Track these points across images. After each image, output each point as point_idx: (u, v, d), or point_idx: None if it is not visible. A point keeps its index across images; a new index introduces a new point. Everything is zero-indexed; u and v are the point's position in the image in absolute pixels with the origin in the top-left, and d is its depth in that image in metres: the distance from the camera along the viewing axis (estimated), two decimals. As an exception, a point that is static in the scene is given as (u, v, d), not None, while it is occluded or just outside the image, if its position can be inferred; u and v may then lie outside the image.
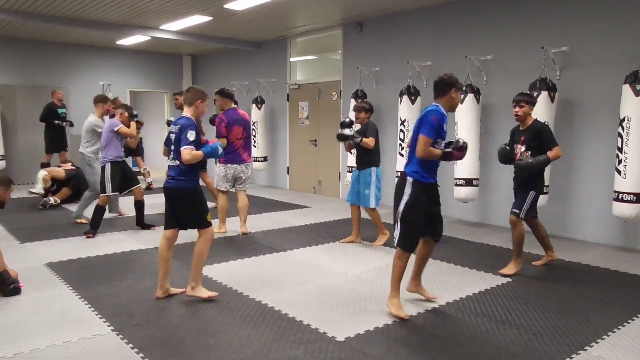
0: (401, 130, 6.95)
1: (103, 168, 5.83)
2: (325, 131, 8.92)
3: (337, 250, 5.31)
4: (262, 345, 3.03)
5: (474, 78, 6.29)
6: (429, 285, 4.13)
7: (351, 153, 5.76)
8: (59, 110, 9.10)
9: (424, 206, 3.50)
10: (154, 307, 3.63)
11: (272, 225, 6.46)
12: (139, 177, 6.49)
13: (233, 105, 5.87)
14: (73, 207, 7.52)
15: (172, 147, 3.70)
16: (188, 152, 3.56)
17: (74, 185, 7.85)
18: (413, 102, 6.89)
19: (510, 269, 4.40)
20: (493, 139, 6.31)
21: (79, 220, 6.35)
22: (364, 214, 5.59)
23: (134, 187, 6.05)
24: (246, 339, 3.11)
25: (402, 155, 6.80)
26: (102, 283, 4.14)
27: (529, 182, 4.35)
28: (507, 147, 4.48)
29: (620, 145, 4.91)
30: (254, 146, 9.37)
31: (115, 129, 5.81)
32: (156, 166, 12.22)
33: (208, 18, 8.01)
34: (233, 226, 6.16)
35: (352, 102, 7.51)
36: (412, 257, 3.64)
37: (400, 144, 6.92)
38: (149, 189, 9.22)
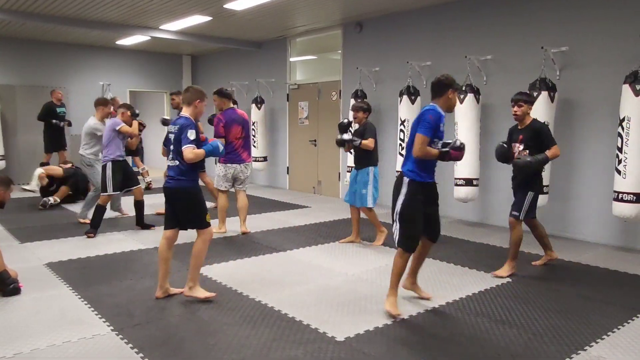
0: (401, 130, 6.95)
1: (104, 167, 5.83)
2: (325, 131, 8.92)
3: (337, 250, 5.31)
4: (262, 345, 3.03)
5: (474, 78, 6.29)
6: (429, 285, 4.13)
7: (351, 153, 5.77)
8: (58, 110, 9.11)
9: (421, 206, 3.50)
10: (154, 307, 3.63)
11: (271, 225, 6.46)
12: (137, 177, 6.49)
13: (231, 105, 5.87)
14: (73, 207, 7.54)
15: (172, 147, 3.69)
16: (190, 151, 3.56)
17: (72, 183, 7.84)
18: (413, 102, 6.89)
19: (504, 270, 4.40)
20: (493, 138, 6.30)
21: (82, 220, 6.35)
22: (364, 214, 5.58)
23: (134, 187, 6.05)
24: (246, 339, 3.11)
25: (402, 155, 6.80)
26: (102, 283, 4.14)
27: (527, 182, 4.34)
28: (505, 145, 4.47)
29: (620, 145, 4.91)
30: (254, 146, 9.37)
31: (117, 128, 5.81)
32: (156, 166, 12.22)
33: (208, 18, 8.01)
34: (233, 226, 6.16)
35: (352, 102, 7.50)
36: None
37: (401, 144, 6.92)
38: (148, 188, 9.22)
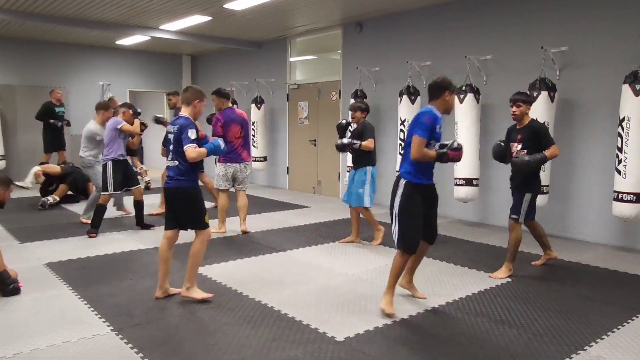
0: (401, 130, 6.95)
1: (104, 166, 5.82)
2: (325, 131, 8.92)
3: (336, 250, 5.31)
4: (261, 345, 3.03)
5: (474, 78, 6.29)
6: (429, 285, 4.14)
7: (351, 152, 5.77)
8: (57, 110, 9.10)
9: (420, 207, 3.50)
10: (154, 307, 3.63)
11: (271, 225, 6.46)
12: None
13: (230, 105, 5.87)
14: (73, 207, 7.55)
15: (171, 147, 3.69)
16: (192, 150, 3.57)
17: (71, 181, 7.82)
18: (413, 102, 6.89)
19: (502, 272, 4.39)
20: (493, 138, 6.27)
21: (84, 221, 6.34)
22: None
23: (134, 187, 6.05)
24: (246, 339, 3.11)
25: (402, 154, 6.80)
26: (102, 283, 4.14)
27: (524, 183, 4.33)
28: (502, 144, 4.45)
29: (620, 145, 4.91)
30: (254, 146, 9.37)
31: (119, 127, 5.80)
32: (156, 166, 12.22)
33: (208, 18, 8.01)
34: (233, 226, 6.16)
35: (352, 102, 7.51)
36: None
37: (401, 144, 6.92)
38: (147, 188, 9.21)
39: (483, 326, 3.34)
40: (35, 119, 9.01)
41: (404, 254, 3.52)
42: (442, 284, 4.21)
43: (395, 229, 3.53)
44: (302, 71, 10.00)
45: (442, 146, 3.50)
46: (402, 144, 6.85)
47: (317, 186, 9.36)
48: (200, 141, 3.68)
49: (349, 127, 5.57)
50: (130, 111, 6.00)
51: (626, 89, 4.84)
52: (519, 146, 4.32)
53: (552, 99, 5.51)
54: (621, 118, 4.90)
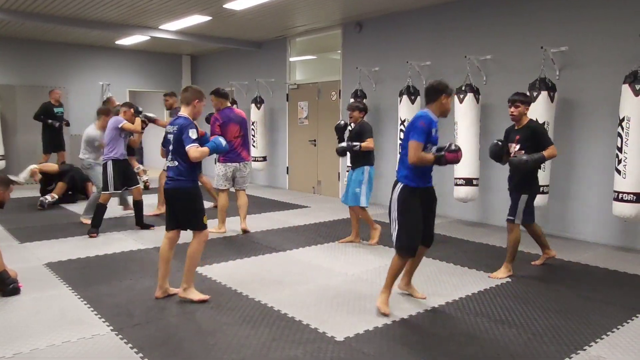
0: (401, 130, 6.95)
1: (105, 165, 5.82)
2: (325, 131, 8.91)
3: (336, 250, 5.31)
4: (261, 345, 3.03)
5: (474, 78, 6.29)
6: (429, 285, 4.14)
7: (350, 153, 5.77)
8: (55, 110, 9.09)
9: (419, 210, 3.51)
10: (154, 307, 3.63)
11: (271, 225, 6.46)
12: None
13: (228, 105, 5.87)
14: (72, 207, 7.55)
15: (170, 147, 3.68)
16: (195, 150, 3.57)
17: (69, 179, 7.81)
18: (413, 102, 6.89)
19: (501, 273, 4.39)
20: (493, 138, 6.23)
21: (84, 221, 6.34)
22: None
23: (133, 187, 6.05)
24: (246, 338, 3.11)
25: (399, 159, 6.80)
26: (102, 283, 4.14)
27: (522, 184, 4.32)
28: (499, 143, 4.44)
29: (620, 145, 4.91)
30: (253, 146, 9.38)
31: (120, 126, 5.80)
32: (156, 166, 12.20)
33: (207, 18, 8.00)
34: (232, 226, 6.16)
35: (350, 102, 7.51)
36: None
37: (400, 144, 6.91)
38: (146, 188, 9.20)
39: (483, 326, 3.35)
40: (33, 119, 9.01)
41: (401, 257, 3.53)
42: (442, 283, 4.21)
43: (394, 232, 3.54)
44: (302, 71, 10.00)
45: (440, 149, 3.50)
46: (402, 143, 6.86)
47: (317, 186, 9.36)
48: (200, 139, 3.68)
49: (347, 128, 5.57)
50: (132, 110, 6.00)
51: (626, 89, 4.84)
52: (517, 147, 4.31)
53: (552, 99, 5.51)
54: (621, 118, 4.90)
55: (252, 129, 9.48)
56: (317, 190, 9.35)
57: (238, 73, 10.87)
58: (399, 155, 3.66)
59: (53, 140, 9.07)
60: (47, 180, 7.93)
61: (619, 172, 4.93)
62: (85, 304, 3.67)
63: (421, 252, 3.75)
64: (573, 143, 5.75)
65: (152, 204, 7.24)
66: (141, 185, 6.29)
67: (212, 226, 5.93)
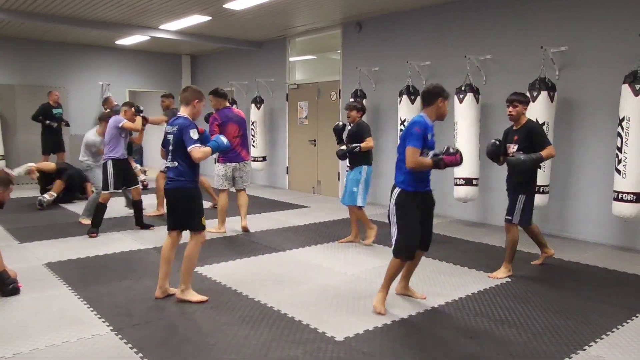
0: (401, 130, 6.95)
1: (105, 165, 5.82)
2: (325, 131, 8.91)
3: (336, 250, 5.31)
4: (261, 345, 3.03)
5: (473, 78, 6.29)
6: (429, 285, 4.14)
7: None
8: (54, 111, 9.09)
9: (417, 214, 3.51)
10: (153, 307, 3.63)
11: (271, 225, 6.46)
12: None
13: (227, 104, 5.88)
14: (72, 207, 7.54)
15: (170, 148, 3.68)
16: (197, 150, 3.57)
17: (67, 178, 7.80)
18: (413, 101, 6.88)
19: (500, 272, 4.39)
20: (492, 138, 6.30)
21: (83, 222, 6.34)
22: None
23: (133, 187, 6.05)
24: (245, 338, 3.11)
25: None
26: (101, 283, 4.14)
27: (520, 184, 4.31)
28: (497, 143, 4.43)
29: (619, 145, 4.91)
30: (253, 146, 9.38)
31: (120, 125, 5.79)
32: (156, 167, 12.20)
33: (207, 18, 8.00)
34: (232, 226, 6.16)
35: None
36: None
37: (397, 150, 6.91)
38: (144, 187, 9.21)
39: (482, 326, 3.35)
40: (31, 119, 9.00)
41: (400, 259, 3.54)
42: (442, 283, 4.21)
43: (394, 235, 3.55)
44: (302, 71, 10.00)
45: (436, 155, 3.52)
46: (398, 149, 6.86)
47: (317, 186, 9.36)
48: (201, 136, 3.68)
49: (344, 130, 5.56)
50: (132, 109, 6.00)
51: (626, 88, 4.84)
52: (515, 147, 4.31)
53: (551, 98, 5.50)
54: (621, 118, 4.90)
55: (252, 128, 9.48)
56: (317, 190, 9.35)
57: (238, 73, 10.86)
58: (396, 162, 3.66)
59: (52, 142, 9.07)
60: (46, 180, 7.93)
61: (618, 172, 4.93)
62: (85, 304, 3.67)
63: (418, 255, 3.76)
64: (573, 143, 5.75)
65: (152, 203, 7.24)
66: (140, 186, 6.29)
67: (212, 226, 5.94)
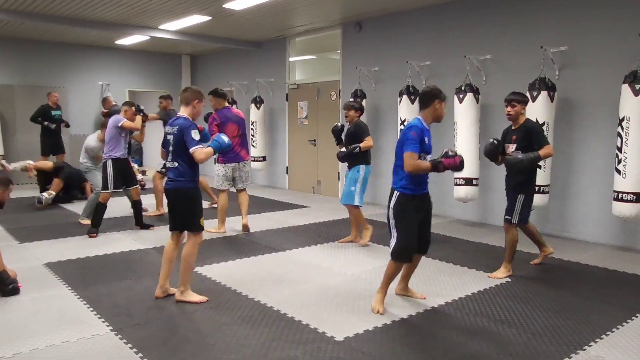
0: (401, 130, 6.94)
1: (105, 164, 5.81)
2: (325, 131, 8.90)
3: (336, 250, 5.31)
4: (261, 345, 3.02)
5: (473, 78, 6.29)
6: (428, 285, 4.14)
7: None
8: (53, 112, 9.08)
9: (415, 217, 3.51)
10: (153, 307, 3.63)
11: (271, 225, 6.46)
12: None
13: (226, 105, 5.88)
14: (71, 207, 7.54)
15: (170, 148, 3.68)
16: (200, 152, 3.57)
17: (65, 176, 7.79)
18: (413, 101, 6.87)
19: (500, 272, 4.39)
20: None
21: (83, 222, 6.33)
22: (364, 214, 5.56)
23: (132, 187, 6.04)
24: (245, 338, 3.11)
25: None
26: (101, 283, 4.13)
27: (519, 184, 4.31)
28: (495, 142, 4.42)
29: (619, 145, 4.91)
30: (253, 146, 9.37)
31: (120, 124, 5.79)
32: (155, 167, 12.20)
33: (207, 18, 8.00)
34: (232, 226, 6.16)
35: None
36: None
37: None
38: (142, 187, 9.19)
39: (482, 326, 3.35)
40: (30, 121, 8.99)
41: (397, 262, 3.55)
42: (442, 283, 4.21)
43: (393, 238, 3.55)
44: (302, 71, 9.99)
45: (435, 159, 3.53)
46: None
47: (317, 186, 9.35)
48: (200, 134, 3.67)
49: (343, 131, 5.55)
50: (133, 109, 5.99)
51: (626, 88, 4.84)
52: (514, 147, 4.30)
53: (551, 98, 5.50)
54: (621, 118, 4.89)
55: (252, 128, 9.48)
56: (317, 190, 9.35)
57: (238, 73, 10.86)
58: (393, 167, 3.67)
59: (51, 143, 9.05)
60: (45, 180, 7.93)
61: (618, 172, 4.93)
62: (84, 304, 3.67)
63: (417, 258, 3.76)
64: (573, 143, 5.75)
65: (153, 203, 7.23)
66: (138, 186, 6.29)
67: (212, 226, 5.94)
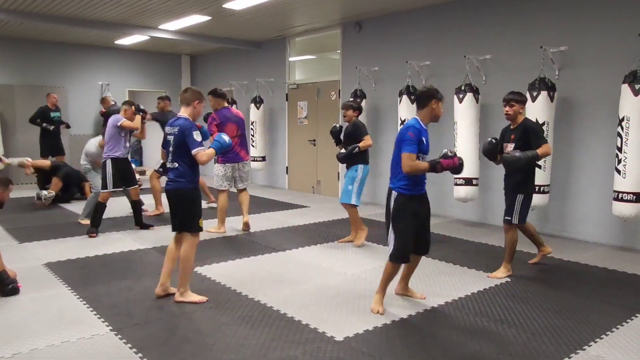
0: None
1: (104, 164, 5.81)
2: (324, 131, 8.89)
3: (336, 250, 5.31)
4: (260, 345, 3.02)
5: (473, 78, 6.29)
6: (428, 285, 4.14)
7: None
8: (52, 114, 9.07)
9: (412, 218, 3.52)
10: (153, 307, 3.62)
11: (271, 225, 6.46)
12: None
13: (226, 105, 5.88)
14: (71, 207, 7.54)
15: (170, 149, 3.67)
16: (202, 154, 3.58)
17: (64, 175, 7.79)
18: (412, 101, 6.87)
19: (500, 272, 4.39)
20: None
21: (82, 222, 6.33)
22: (364, 214, 5.56)
23: (131, 187, 6.04)
24: (245, 338, 3.11)
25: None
26: (101, 283, 4.13)
27: (518, 184, 4.30)
28: (493, 141, 4.41)
29: (619, 145, 4.91)
30: (253, 146, 9.37)
31: (119, 124, 5.78)
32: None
33: (207, 18, 8.00)
34: (232, 226, 6.16)
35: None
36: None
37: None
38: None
39: (482, 326, 3.34)
40: (29, 122, 8.99)
41: (395, 263, 3.55)
42: (441, 283, 4.21)
43: (391, 239, 3.55)
44: (302, 71, 9.99)
45: (433, 160, 3.53)
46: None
47: (317, 186, 9.35)
48: (201, 131, 3.68)
49: (342, 131, 5.55)
50: (132, 108, 5.99)
51: (625, 88, 4.84)
52: (512, 146, 4.30)
53: (551, 98, 5.50)
54: (620, 118, 4.89)
55: (252, 128, 9.48)
56: (317, 190, 9.34)
57: (237, 73, 10.86)
58: (390, 167, 3.67)
59: (50, 144, 9.03)
60: (44, 179, 7.94)
61: (618, 171, 4.93)
62: (84, 304, 3.67)
63: (417, 260, 3.77)
64: (573, 143, 5.75)
65: (152, 203, 7.23)
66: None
67: (212, 226, 5.94)
